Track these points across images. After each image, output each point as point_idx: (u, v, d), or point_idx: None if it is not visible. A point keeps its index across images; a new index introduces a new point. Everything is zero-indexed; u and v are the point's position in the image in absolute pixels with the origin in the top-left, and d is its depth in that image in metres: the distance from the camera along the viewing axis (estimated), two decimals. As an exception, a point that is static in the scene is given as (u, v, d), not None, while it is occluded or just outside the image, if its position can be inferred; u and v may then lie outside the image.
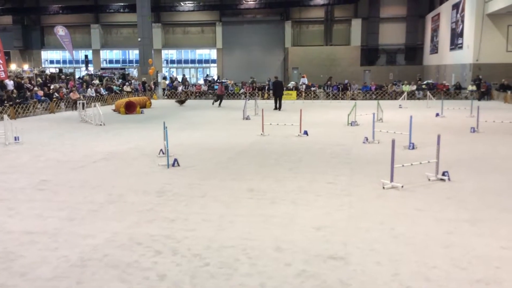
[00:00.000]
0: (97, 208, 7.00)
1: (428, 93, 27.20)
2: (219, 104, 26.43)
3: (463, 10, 31.21)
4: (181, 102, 27.58)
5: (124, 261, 5.08)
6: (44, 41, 50.86)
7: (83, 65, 46.01)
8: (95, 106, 18.13)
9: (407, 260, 5.03)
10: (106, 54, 50.67)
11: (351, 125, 16.58)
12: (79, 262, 5.08)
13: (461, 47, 31.72)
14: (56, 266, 4.97)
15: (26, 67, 33.16)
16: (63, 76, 31.90)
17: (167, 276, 4.71)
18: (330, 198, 7.42)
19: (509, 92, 26.80)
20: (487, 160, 10.33)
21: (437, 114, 19.61)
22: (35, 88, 24.36)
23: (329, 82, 32.54)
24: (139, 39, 36.25)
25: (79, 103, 20.27)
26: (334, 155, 11.14)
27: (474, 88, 28.46)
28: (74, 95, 24.29)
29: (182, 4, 45.43)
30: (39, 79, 28.65)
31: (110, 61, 50.61)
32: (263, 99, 30.12)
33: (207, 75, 44.85)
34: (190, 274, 4.74)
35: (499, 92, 28.01)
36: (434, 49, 39.43)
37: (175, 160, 9.97)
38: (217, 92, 28.15)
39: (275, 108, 23.18)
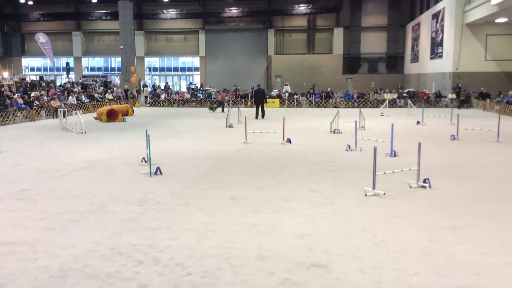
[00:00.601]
0: (78, 218, 6.90)
1: (409, 101, 27.57)
2: (222, 110, 27.14)
3: (442, 19, 31.80)
4: (213, 108, 28.28)
5: (105, 271, 5.01)
6: (24, 48, 50.28)
7: (64, 72, 45.53)
8: (76, 114, 17.92)
9: (389, 268, 5.06)
10: (88, 62, 50.27)
11: (334, 133, 16.70)
12: (59, 272, 5.00)
13: (441, 56, 32.28)
14: (36, 277, 4.88)
15: (6, 74, 32.70)
16: (44, 84, 31.51)
17: (149, 286, 4.66)
18: (313, 206, 7.45)
19: (488, 100, 27.34)
20: (467, 168, 10.49)
21: (418, 122, 19.88)
22: (15, 96, 24.00)
23: (311, 90, 32.76)
24: (121, 47, 36.11)
25: (60, 111, 20.02)
26: (317, 162, 11.19)
27: (454, 96, 28.96)
28: (55, 103, 24.00)
29: (165, 12, 45.39)
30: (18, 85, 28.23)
31: (92, 69, 50.21)
32: (246, 107, 30.19)
33: (191, 83, 44.75)
34: (173, 284, 4.70)
35: (478, 100, 28.57)
36: (415, 58, 40.05)
37: (158, 168, 9.90)
38: (219, 99, 28.88)
39: (256, 117, 22.70)
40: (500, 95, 26.43)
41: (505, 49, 29.30)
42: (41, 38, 35.25)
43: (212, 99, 31.02)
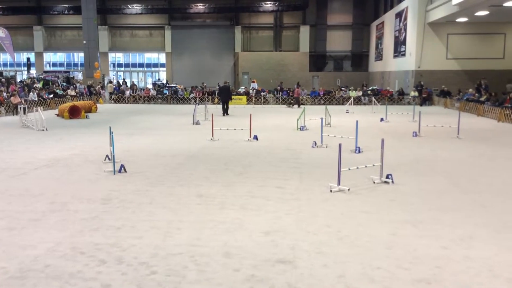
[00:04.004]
0: (38, 217, 6.71)
1: (373, 98, 28.08)
2: (298, 105, 28.03)
3: (405, 19, 32.48)
4: (292, 104, 28.60)
5: (66, 271, 4.89)
6: (-18, 43, 48.39)
7: (25, 68, 44.14)
8: (37, 110, 17.42)
9: (352, 262, 5.14)
10: (49, 57, 48.90)
11: (300, 129, 16.83)
12: (19, 273, 4.84)
13: (404, 55, 32.98)
14: (-7, 280, 4.72)
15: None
16: (3, 80, 30.47)
17: (112, 286, 4.57)
18: (279, 203, 7.48)
19: (448, 97, 28.14)
20: (428, 163, 10.77)
21: (382, 119, 20.27)
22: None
23: (279, 87, 32.93)
24: (84, 42, 35.27)
25: (20, 107, 19.41)
26: (284, 159, 11.25)
27: (416, 94, 29.66)
28: (15, 99, 23.25)
29: (130, 6, 44.59)
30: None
31: (54, 64, 48.87)
32: (213, 104, 30.06)
33: (159, 79, 44.09)
34: (136, 283, 4.62)
35: (439, 98, 29.39)
36: (379, 56, 40.79)
37: (122, 166, 9.73)
38: (294, 95, 29.29)
39: (223, 114, 22.80)
40: (460, 93, 27.26)
41: (465, 48, 30.21)
42: (1, 32, 34.04)
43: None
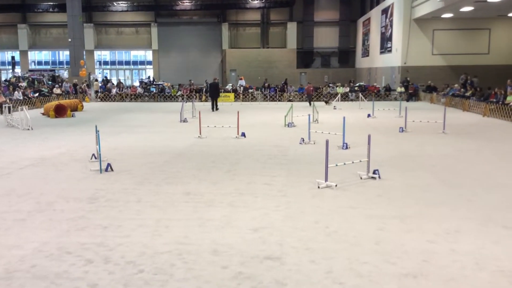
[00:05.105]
0: (24, 217, 6.64)
1: (360, 94, 28.20)
2: (309, 103, 25.56)
3: (391, 15, 32.65)
4: (327, 102, 27.98)
5: (53, 271, 4.85)
6: (-35, 41, 47.70)
7: (10, 67, 43.53)
8: (22, 109, 17.22)
9: (340, 257, 5.17)
10: (34, 55, 48.30)
11: (288, 126, 16.84)
12: (4, 274, 4.79)
13: (390, 51, 33.17)
14: (-23, 281, 4.66)
15: None
16: (-13, 78, 30.04)
17: (99, 285, 4.54)
18: (267, 199, 7.49)
19: (434, 93, 28.38)
20: (414, 158, 10.85)
21: (369, 115, 20.37)
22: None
23: (266, 84, 32.92)
24: (69, 40, 34.89)
25: (5, 106, 19.16)
26: (271, 156, 11.26)
27: (402, 89, 29.85)
28: (-1, 98, 22.93)
29: (115, 4, 44.19)
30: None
31: (39, 63, 48.29)
32: (201, 101, 29.97)
33: (149, 77, 43.68)
34: (123, 282, 4.60)
35: (425, 93, 29.62)
36: (366, 53, 40.96)
37: (108, 164, 9.66)
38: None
39: (213, 110, 23.72)
40: (448, 87, 27.46)
41: (451, 44, 30.45)
42: (-17, 30, 33.53)
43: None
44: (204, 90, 31.50)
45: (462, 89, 26.21)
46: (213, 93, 24.66)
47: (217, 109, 24.09)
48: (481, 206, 7.06)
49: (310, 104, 24.57)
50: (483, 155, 11.34)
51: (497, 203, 7.24)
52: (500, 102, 20.09)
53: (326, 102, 28.55)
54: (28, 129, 16.42)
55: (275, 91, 31.52)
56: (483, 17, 28.91)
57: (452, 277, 4.67)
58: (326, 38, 45.12)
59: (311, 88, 28.02)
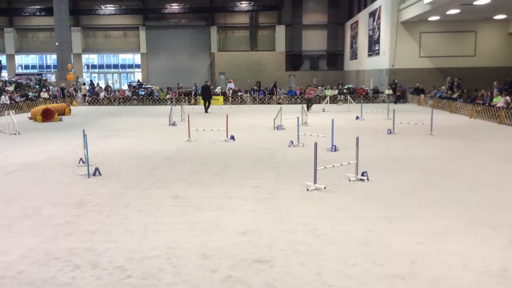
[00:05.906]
0: (10, 223, 6.56)
1: (349, 97, 28.33)
2: (308, 108, 23.69)
3: (379, 18, 32.88)
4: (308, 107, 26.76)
5: (40, 277, 4.79)
6: (-49, 45, 47.11)
7: (-4, 70, 43.10)
8: (9, 114, 17.04)
9: (329, 259, 5.17)
10: (21, 59, 47.88)
11: (277, 129, 16.86)
12: (-11, 282, 4.73)
13: (378, 53, 33.39)
14: (-38, 288, 4.59)
15: None
16: (-28, 83, 29.70)
17: (87, 291, 4.50)
18: (256, 202, 7.48)
19: (422, 95, 28.61)
20: (402, 160, 10.92)
21: (357, 117, 20.47)
22: None
23: (256, 87, 32.97)
24: (56, 44, 34.64)
25: (-9, 111, 18.97)
26: (261, 159, 11.26)
27: (390, 92, 30.05)
28: (-15, 103, 22.69)
29: (103, 7, 43.95)
30: None
31: (26, 67, 47.89)
32: (190, 104, 29.91)
33: (138, 81, 43.43)
34: (111, 287, 4.56)
35: (413, 95, 29.86)
36: (354, 55, 41.19)
37: (96, 169, 9.59)
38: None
39: (206, 111, 24.56)
40: (435, 89, 27.69)
41: (438, 46, 30.74)
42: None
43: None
44: (193, 93, 31.47)
45: (449, 91, 26.45)
46: (204, 95, 25.44)
47: (206, 111, 24.49)
48: (469, 207, 7.12)
49: (308, 110, 23.38)
50: (470, 156, 11.45)
51: (484, 203, 7.31)
52: (487, 104, 20.32)
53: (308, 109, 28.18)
54: (15, 134, 16.25)
55: (264, 94, 31.57)
56: (469, 19, 29.24)
57: (439, 278, 4.70)
58: (314, 41, 45.32)
59: (311, 92, 26.15)
